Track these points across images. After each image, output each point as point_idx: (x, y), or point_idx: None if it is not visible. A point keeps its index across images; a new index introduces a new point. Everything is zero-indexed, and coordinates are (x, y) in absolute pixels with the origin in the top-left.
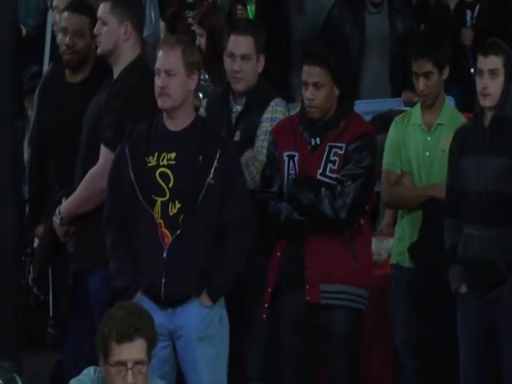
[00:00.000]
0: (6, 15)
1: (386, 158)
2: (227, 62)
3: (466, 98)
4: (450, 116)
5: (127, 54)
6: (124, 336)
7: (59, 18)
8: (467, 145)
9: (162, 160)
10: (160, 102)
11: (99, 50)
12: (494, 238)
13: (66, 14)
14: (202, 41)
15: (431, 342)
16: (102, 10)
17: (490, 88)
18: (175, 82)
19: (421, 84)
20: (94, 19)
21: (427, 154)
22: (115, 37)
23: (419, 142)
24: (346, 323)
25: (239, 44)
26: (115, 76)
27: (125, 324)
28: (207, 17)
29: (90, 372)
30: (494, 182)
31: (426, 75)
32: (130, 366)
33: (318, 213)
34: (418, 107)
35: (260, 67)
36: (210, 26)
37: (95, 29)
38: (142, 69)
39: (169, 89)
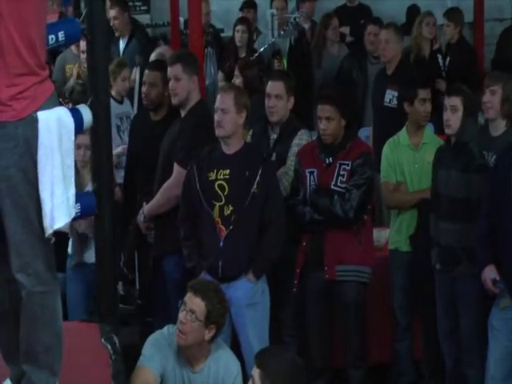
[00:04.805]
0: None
1: (383, 171)
2: (266, 101)
3: (441, 125)
4: (430, 137)
5: (193, 99)
6: (192, 288)
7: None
8: (441, 160)
9: (220, 175)
10: (217, 132)
11: (175, 100)
12: (456, 231)
13: (146, 70)
14: (237, 81)
15: (421, 306)
16: (175, 71)
17: (450, 121)
18: (228, 117)
19: (427, 107)
20: (165, 74)
21: (416, 166)
22: (187, 88)
23: (409, 157)
24: (355, 294)
25: (273, 87)
26: (182, 115)
27: (200, 284)
28: (244, 68)
29: (168, 327)
30: (454, 190)
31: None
32: (187, 308)
33: (332, 214)
34: (404, 133)
35: (290, 105)
36: (246, 74)
37: (170, 85)
38: (203, 108)
39: (223, 123)
